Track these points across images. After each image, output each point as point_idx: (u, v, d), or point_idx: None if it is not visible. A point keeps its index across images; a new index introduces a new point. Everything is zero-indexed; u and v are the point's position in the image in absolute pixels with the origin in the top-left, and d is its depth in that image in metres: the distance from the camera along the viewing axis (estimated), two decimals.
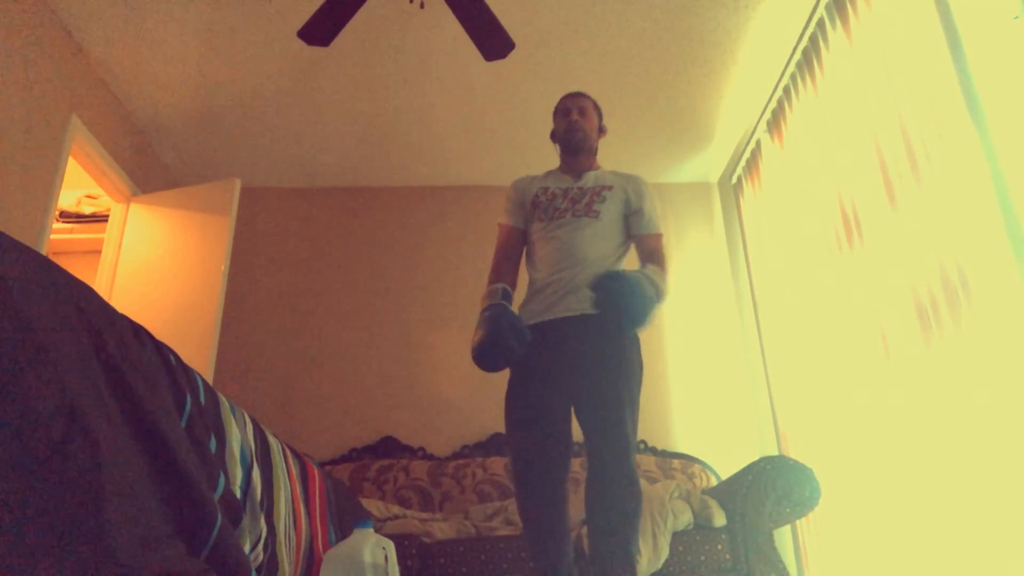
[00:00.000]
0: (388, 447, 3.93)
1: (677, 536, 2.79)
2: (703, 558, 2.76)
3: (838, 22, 2.92)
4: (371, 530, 1.68)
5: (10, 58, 2.81)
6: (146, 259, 3.74)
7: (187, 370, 1.23)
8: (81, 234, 4.35)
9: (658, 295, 2.02)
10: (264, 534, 1.43)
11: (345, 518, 2.43)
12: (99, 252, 3.85)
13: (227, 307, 3.83)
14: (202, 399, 1.24)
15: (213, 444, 1.25)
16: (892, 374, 2.59)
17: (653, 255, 2.19)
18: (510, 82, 3.67)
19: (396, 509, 3.36)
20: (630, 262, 2.24)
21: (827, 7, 2.97)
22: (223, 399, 1.42)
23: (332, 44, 2.89)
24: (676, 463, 3.82)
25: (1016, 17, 1.98)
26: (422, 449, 3.95)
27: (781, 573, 2.69)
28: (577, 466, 3.24)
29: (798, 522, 3.43)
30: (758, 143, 3.89)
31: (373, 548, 1.61)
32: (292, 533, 1.74)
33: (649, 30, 3.32)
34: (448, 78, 3.64)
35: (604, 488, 1.96)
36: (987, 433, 2.07)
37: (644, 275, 2.02)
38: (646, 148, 4.30)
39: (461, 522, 3.16)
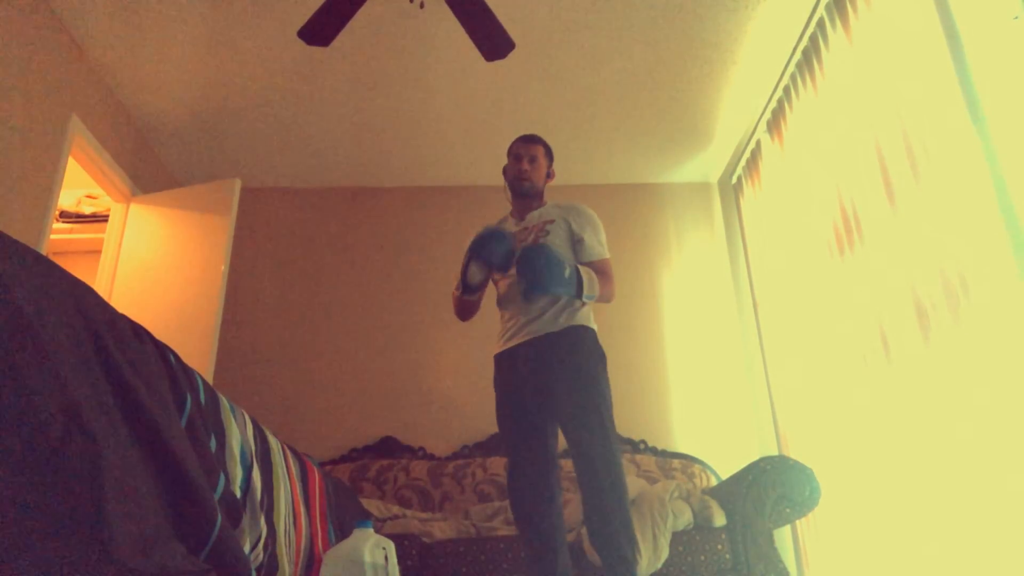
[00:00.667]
0: (388, 447, 3.93)
1: (677, 536, 2.79)
2: (703, 558, 2.77)
3: (838, 22, 2.91)
4: (371, 530, 1.68)
5: (10, 58, 2.81)
6: (146, 259, 3.74)
7: (187, 370, 1.23)
8: (81, 234, 4.36)
9: (581, 286, 2.14)
10: (264, 534, 1.43)
11: (345, 518, 2.43)
12: (99, 252, 3.86)
13: (227, 307, 3.83)
14: (202, 399, 1.24)
15: (213, 444, 1.25)
16: (892, 374, 2.58)
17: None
18: (510, 82, 3.67)
19: (396, 509, 3.37)
20: None
21: (827, 7, 2.97)
22: (223, 399, 1.42)
23: (332, 44, 2.89)
24: (676, 463, 3.82)
25: (1016, 17, 1.98)
26: (422, 449, 3.95)
27: (781, 573, 2.69)
28: None
29: (798, 522, 3.43)
30: (758, 143, 3.89)
31: (373, 548, 1.61)
32: (292, 533, 1.74)
33: (649, 30, 3.32)
34: (448, 78, 3.64)
35: (590, 487, 2.07)
36: (987, 433, 2.07)
37: (572, 265, 2.16)
38: (646, 148, 4.30)
39: (461, 522, 3.17)
